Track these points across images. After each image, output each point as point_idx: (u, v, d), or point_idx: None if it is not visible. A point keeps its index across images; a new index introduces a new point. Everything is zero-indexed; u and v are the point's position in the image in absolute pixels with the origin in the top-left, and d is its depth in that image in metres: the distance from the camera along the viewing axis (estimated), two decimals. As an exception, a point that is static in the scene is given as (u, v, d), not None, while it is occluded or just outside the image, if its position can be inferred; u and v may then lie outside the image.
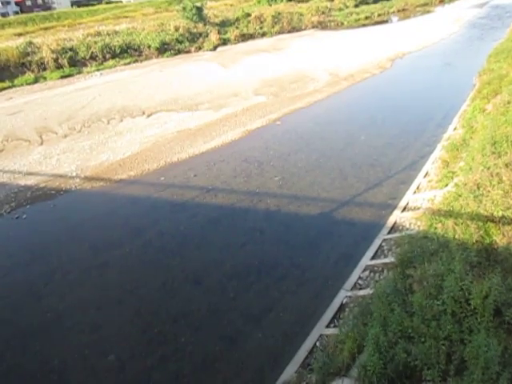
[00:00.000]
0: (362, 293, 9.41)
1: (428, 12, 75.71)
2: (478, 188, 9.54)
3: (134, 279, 11.52)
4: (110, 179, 17.19)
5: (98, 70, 36.77)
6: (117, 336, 9.78)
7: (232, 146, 19.83)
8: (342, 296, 9.75)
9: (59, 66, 35.94)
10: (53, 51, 36.26)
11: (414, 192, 13.78)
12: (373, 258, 10.88)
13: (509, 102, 14.90)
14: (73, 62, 36.88)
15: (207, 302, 10.53)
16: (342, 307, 9.48)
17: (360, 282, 10.16)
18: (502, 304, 6.36)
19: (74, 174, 17.59)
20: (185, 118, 23.38)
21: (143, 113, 24.57)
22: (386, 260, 10.27)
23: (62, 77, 34.70)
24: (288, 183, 16.08)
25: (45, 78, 34.20)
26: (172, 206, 15.22)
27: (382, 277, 9.76)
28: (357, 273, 10.47)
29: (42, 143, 20.91)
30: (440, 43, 43.72)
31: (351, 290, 9.92)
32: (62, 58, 36.29)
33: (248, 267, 11.69)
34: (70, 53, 37.06)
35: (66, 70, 35.68)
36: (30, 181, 17.17)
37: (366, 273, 10.34)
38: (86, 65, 37.38)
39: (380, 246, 11.25)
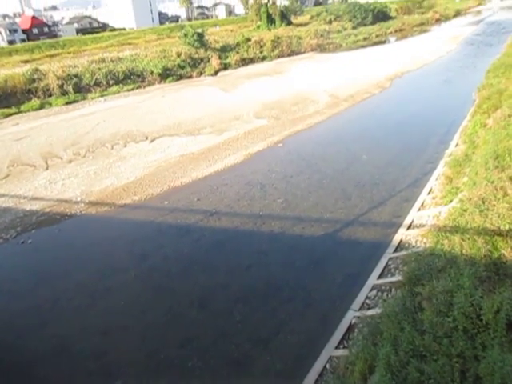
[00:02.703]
0: (370, 312, 9.30)
1: (425, 31, 77.16)
2: (483, 202, 9.54)
3: (140, 304, 11.44)
4: (114, 204, 17.24)
5: (102, 95, 37.39)
6: (123, 361, 9.66)
7: (235, 170, 19.93)
8: (350, 316, 9.64)
9: (64, 93, 36.61)
10: (58, 78, 37.01)
11: (419, 209, 13.78)
12: (380, 276, 10.80)
13: (509, 116, 15.04)
14: (77, 89, 37.56)
15: (214, 326, 10.41)
16: (350, 328, 9.36)
17: (368, 301, 10.06)
18: (515, 318, 6.27)
19: (79, 199, 17.67)
20: (187, 143, 23.58)
21: (146, 138, 24.81)
22: (394, 278, 10.19)
23: (67, 103, 35.28)
24: (291, 205, 16.10)
25: (50, 104, 34.77)
26: (176, 230, 15.22)
27: (390, 296, 9.67)
28: (364, 292, 10.38)
29: (47, 168, 21.09)
30: (438, 61, 44.42)
31: (359, 309, 9.81)
32: (67, 84, 37.01)
33: (254, 290, 11.61)
34: (74, 79, 37.82)
35: (71, 96, 36.31)
36: (36, 206, 17.25)
37: (374, 292, 10.25)
38: (90, 91, 38.03)
39: (387, 265, 11.18)
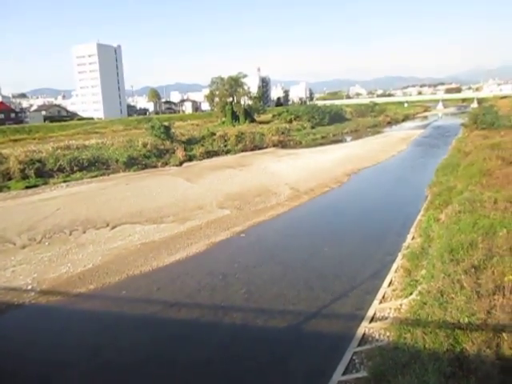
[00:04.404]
0: (336, 413, 8.87)
1: (378, 132, 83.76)
2: (442, 295, 9.77)
3: (88, 405, 10.44)
4: (67, 293, 16.36)
5: (64, 181, 37.18)
6: None
7: (197, 259, 19.67)
8: (315, 417, 9.13)
9: (25, 177, 36.19)
10: (20, 162, 36.84)
11: (380, 302, 13.86)
12: (345, 372, 10.47)
13: (460, 212, 15.98)
14: (40, 173, 37.34)
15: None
16: (316, 430, 8.83)
17: (333, 400, 9.63)
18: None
19: (30, 287, 16.67)
20: (149, 231, 23.34)
21: (107, 225, 24.40)
22: (359, 374, 9.91)
23: (27, 187, 34.78)
24: (254, 296, 15.81)
25: (8, 188, 34.15)
26: (133, 321, 14.47)
27: (356, 393, 9.32)
28: (329, 390, 9.96)
29: (-3, 254, 20.06)
30: (391, 159, 47.71)
31: (325, 410, 9.34)
32: (29, 168, 36.78)
33: (214, 387, 10.91)
34: (37, 164, 37.70)
35: (32, 181, 35.92)
36: (-21, 295, 16.08)
37: (339, 390, 9.87)
38: (52, 176, 37.83)
39: (351, 360, 10.91)
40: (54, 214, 26.44)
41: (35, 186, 35.37)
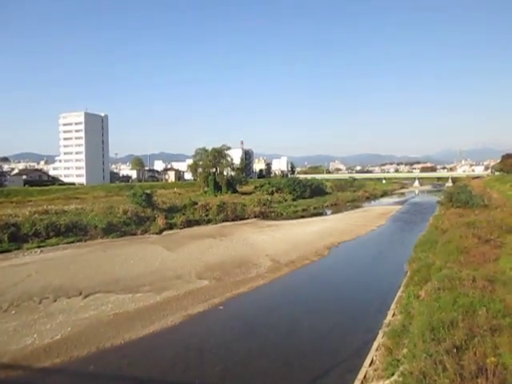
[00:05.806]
0: None
1: (357, 207, 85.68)
2: (425, 377, 9.47)
3: None
4: (30, 367, 15.29)
5: (39, 246, 36.14)
6: None
7: (172, 331, 18.86)
8: None
9: (-3, 241, 35.13)
10: (-6, 226, 35.88)
11: (362, 382, 13.30)
12: None
13: (439, 289, 16.00)
14: (14, 238, 36.27)
15: None
16: None
17: None
18: None
19: (-11, 360, 15.56)
20: (124, 300, 22.49)
21: (80, 293, 23.45)
22: None
23: (-1, 251, 33.58)
24: (230, 373, 15.06)
25: (-21, 253, 32.90)
26: (99, 399, 13.51)
27: None
28: None
29: (-44, 324, 18.85)
30: (370, 234, 48.18)
31: None
32: (3, 233, 35.78)
33: None
34: (12, 228, 36.74)
35: (4, 245, 34.80)
36: None
37: None
38: (27, 241, 36.79)
39: None
40: (24, 281, 25.38)
41: (8, 250, 34.25)
